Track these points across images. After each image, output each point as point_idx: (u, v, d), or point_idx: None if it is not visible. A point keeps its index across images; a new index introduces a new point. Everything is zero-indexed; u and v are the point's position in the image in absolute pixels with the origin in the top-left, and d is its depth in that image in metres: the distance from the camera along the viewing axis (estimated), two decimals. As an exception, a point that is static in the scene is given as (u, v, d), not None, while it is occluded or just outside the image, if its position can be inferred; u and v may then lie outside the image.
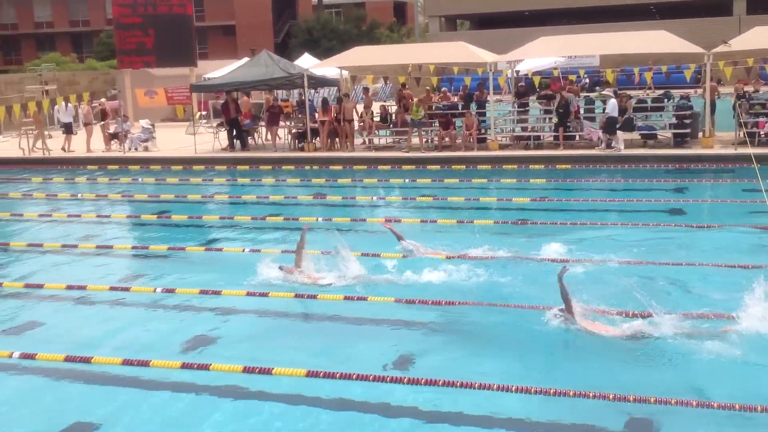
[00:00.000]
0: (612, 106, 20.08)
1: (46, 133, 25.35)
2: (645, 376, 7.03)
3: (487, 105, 22.99)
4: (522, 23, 46.96)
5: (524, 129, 22.25)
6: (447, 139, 21.77)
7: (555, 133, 20.77)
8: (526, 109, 23.09)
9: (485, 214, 14.75)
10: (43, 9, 70.47)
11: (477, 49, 22.90)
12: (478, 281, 9.73)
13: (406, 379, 6.98)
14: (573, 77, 29.55)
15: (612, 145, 19.87)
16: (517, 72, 25.49)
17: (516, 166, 19.42)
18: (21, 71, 46.20)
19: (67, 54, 59.96)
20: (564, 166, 19.07)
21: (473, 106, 22.64)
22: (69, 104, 25.27)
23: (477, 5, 49.71)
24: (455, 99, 25.66)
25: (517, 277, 9.77)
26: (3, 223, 15.30)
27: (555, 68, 28.12)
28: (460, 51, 23.44)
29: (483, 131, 22.19)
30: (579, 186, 17.21)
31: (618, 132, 19.71)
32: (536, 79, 26.21)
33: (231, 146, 23.66)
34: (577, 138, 21.47)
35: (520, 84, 24.42)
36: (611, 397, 6.47)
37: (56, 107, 26.43)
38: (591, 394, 6.54)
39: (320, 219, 14.19)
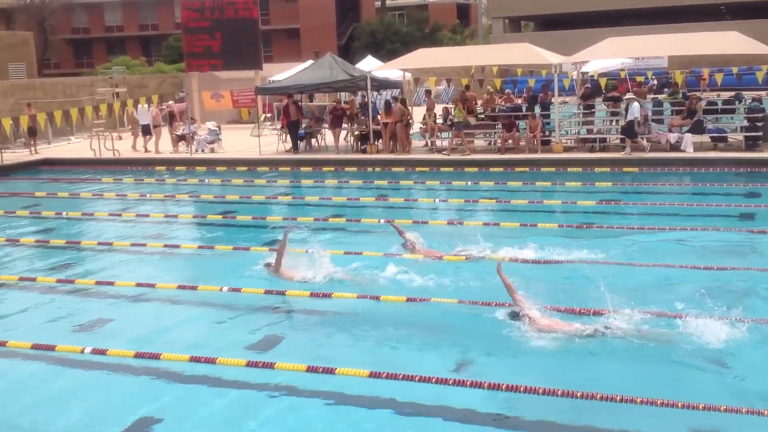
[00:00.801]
0: (635, 110, 19.72)
1: (115, 134, 26.01)
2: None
3: (551, 107, 22.74)
4: (588, 24, 46.34)
5: (590, 131, 21.93)
6: (510, 141, 21.59)
7: (622, 136, 20.40)
8: (592, 111, 22.75)
9: (549, 217, 14.57)
10: (113, 13, 72.37)
11: (542, 51, 22.66)
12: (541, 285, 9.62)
13: (469, 383, 6.97)
14: (641, 79, 29.03)
15: (627, 151, 19.63)
16: (583, 73, 25.14)
17: (581, 169, 19.15)
18: (92, 74, 47.49)
19: (137, 57, 61.40)
20: (631, 169, 18.74)
21: (537, 108, 22.41)
22: (148, 105, 25.88)
23: (542, 6, 49.25)
24: (519, 101, 25.45)
25: (578, 281, 9.64)
26: (75, 222, 15.72)
27: (622, 70, 27.70)
28: (525, 52, 23.23)
29: (547, 133, 21.95)
30: (646, 189, 16.88)
31: (686, 134, 19.29)
32: (603, 81, 25.82)
33: (295, 148, 23.87)
34: (645, 141, 21.06)
35: (586, 86, 24.07)
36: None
37: (133, 108, 27.09)
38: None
39: (381, 221, 14.20)
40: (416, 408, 6.68)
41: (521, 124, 22.04)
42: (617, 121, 21.50)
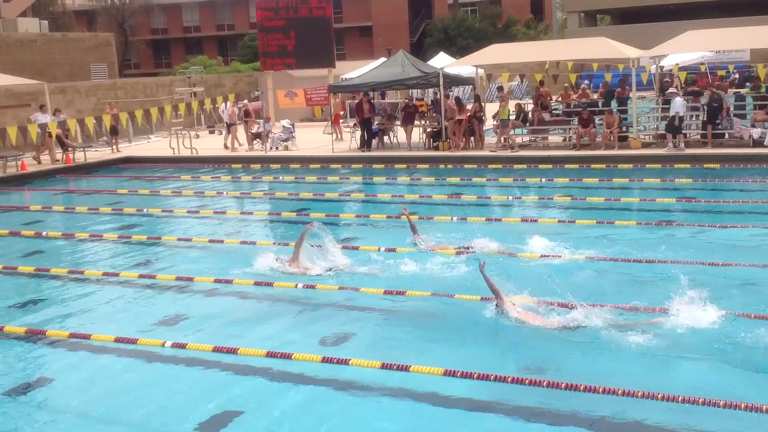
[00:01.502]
0: (679, 105, 19.15)
1: (192, 133, 26.58)
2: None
3: (628, 102, 22.27)
4: (666, 17, 45.21)
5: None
6: (586, 137, 21.24)
7: (702, 131, 19.83)
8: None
9: (626, 215, 14.28)
10: (191, 14, 74.05)
11: (619, 45, 22.22)
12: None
13: (545, 383, 6.88)
14: (722, 73, 28.15)
15: (677, 145, 19.14)
16: (662, 68, 24.52)
17: (660, 166, 18.70)
18: (171, 74, 48.67)
19: (214, 57, 62.63)
20: (712, 165, 18.20)
21: (614, 103, 21.97)
22: (228, 104, 26.42)
23: (618, -1, 48.24)
24: (595, 96, 25.00)
25: (656, 279, 9.41)
26: (155, 219, 16.14)
27: (702, 63, 26.91)
28: (601, 46, 22.81)
29: (624, 129, 21.50)
30: (728, 186, 16.37)
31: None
32: (682, 75, 25.14)
33: (364, 146, 23.92)
34: (727, 136, 20.45)
35: (665, 80, 23.47)
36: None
37: (220, 107, 27.69)
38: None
39: (454, 218, 14.15)
40: (487, 406, 6.64)
41: (597, 119, 21.66)
42: (697, 116, 20.90)
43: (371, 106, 24.40)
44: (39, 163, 24.21)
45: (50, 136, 23.46)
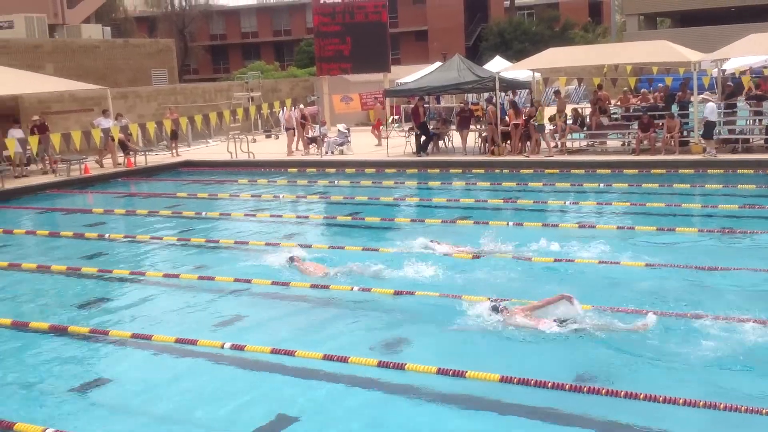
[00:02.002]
0: (710, 110, 18.96)
1: (250, 137, 26.93)
2: None
3: (690, 106, 21.84)
4: (728, 20, 44.21)
5: (731, 131, 20.91)
6: (646, 141, 20.89)
7: (766, 136, 19.35)
8: (734, 110, 21.68)
9: (687, 221, 14.01)
10: (249, 20, 75.10)
11: (680, 48, 21.81)
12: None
13: (586, 388, 6.78)
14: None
15: (707, 151, 18.98)
16: (724, 71, 23.99)
17: (722, 171, 18.29)
18: (229, 79, 49.38)
19: (271, 62, 63.39)
20: (776, 171, 17.76)
21: (675, 107, 21.57)
22: (296, 107, 26.78)
23: (679, 2, 47.36)
24: (655, 99, 24.57)
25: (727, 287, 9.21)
26: (213, 222, 16.38)
27: (766, 67, 26.22)
28: (661, 50, 22.43)
29: (685, 134, 21.09)
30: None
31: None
32: (745, 79, 24.54)
33: (420, 151, 23.86)
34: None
35: (727, 84, 22.97)
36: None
37: (278, 112, 28.06)
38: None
39: (510, 224, 14.05)
40: (546, 414, 6.58)
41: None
42: (761, 120, 20.40)
43: (424, 110, 24.39)
44: (101, 166, 24.80)
45: (113, 140, 24.00)
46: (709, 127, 19.58)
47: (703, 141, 19.89)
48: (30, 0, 38.39)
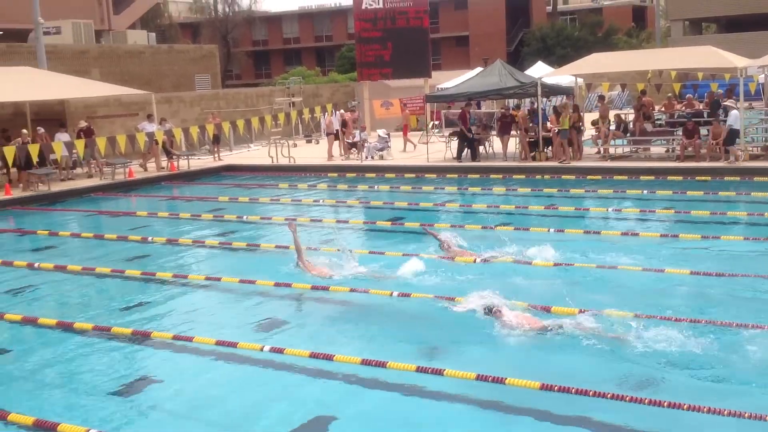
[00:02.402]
0: (734, 118, 18.93)
1: (290, 142, 27.10)
2: None
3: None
4: (776, 25, 43.38)
5: (779, 138, 20.52)
6: (690, 148, 20.58)
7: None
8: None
9: (733, 229, 13.76)
10: (291, 26, 75.72)
11: (726, 53, 21.46)
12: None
13: (628, 397, 6.68)
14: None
15: (728, 158, 19.05)
16: (771, 77, 23.57)
17: (768, 179, 17.96)
18: (271, 84, 49.80)
19: (312, 68, 63.78)
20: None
21: (721, 113, 21.23)
22: (337, 112, 26.97)
23: (725, 7, 46.54)
24: (700, 106, 24.21)
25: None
26: (255, 226, 16.51)
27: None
28: (707, 55, 22.08)
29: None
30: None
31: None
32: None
33: (467, 156, 23.62)
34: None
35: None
36: None
37: (321, 117, 28.28)
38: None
39: (551, 230, 13.94)
40: (590, 424, 6.51)
41: (702, 130, 20.99)
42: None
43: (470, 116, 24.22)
44: (145, 170, 25.17)
45: (157, 144, 24.35)
46: (732, 135, 19.50)
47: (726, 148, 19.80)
48: (77, 6, 39.16)
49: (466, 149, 24.20)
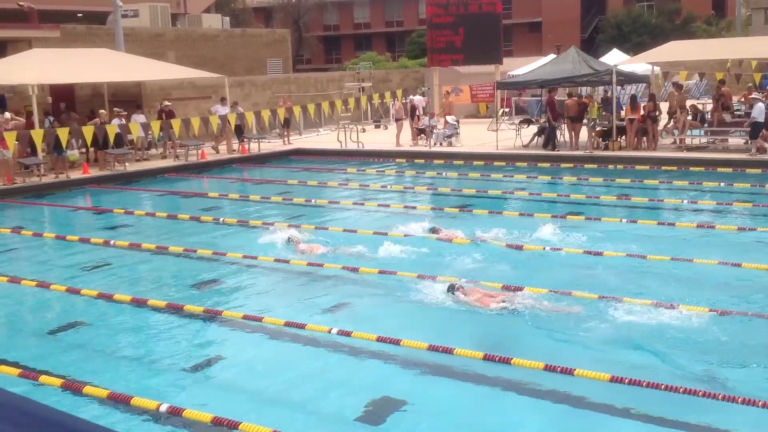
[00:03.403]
0: (759, 111, 18.90)
1: (360, 127, 27.19)
2: None
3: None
4: None
5: None
6: (771, 140, 19.90)
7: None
8: None
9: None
10: (362, 11, 75.81)
11: (811, 42, 20.64)
12: None
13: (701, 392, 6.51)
14: None
15: (750, 150, 19.17)
16: None
17: None
18: (341, 69, 49.99)
19: (382, 53, 63.77)
20: None
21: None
22: (411, 98, 27.06)
23: (811, -6, 44.77)
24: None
25: None
26: (322, 210, 16.62)
27: None
28: (791, 44, 21.28)
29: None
30: None
31: None
32: None
33: (548, 144, 23.12)
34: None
35: None
36: None
37: (391, 102, 28.35)
38: None
39: (624, 220, 13.68)
40: (655, 419, 6.37)
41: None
42: None
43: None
44: (217, 152, 25.59)
45: (229, 126, 24.73)
46: (755, 128, 19.56)
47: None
48: (155, -10, 39.93)
49: (536, 137, 23.88)
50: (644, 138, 21.95)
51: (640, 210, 15.13)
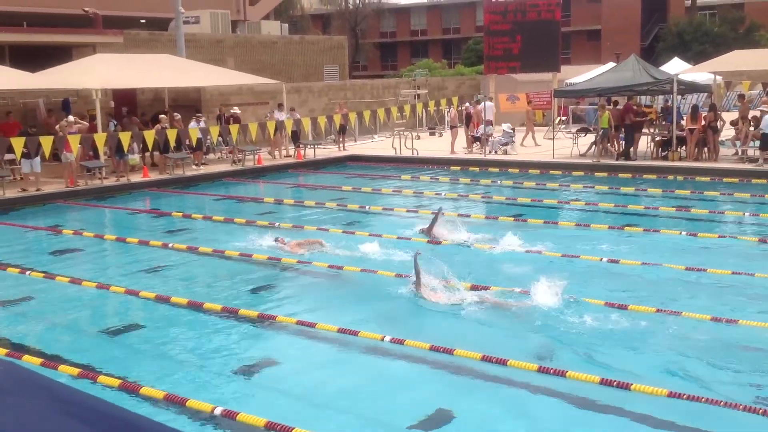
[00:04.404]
0: (766, 123, 18.94)
1: (414, 134, 27.20)
2: None
3: None
4: None
5: None
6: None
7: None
8: None
9: None
10: (419, 18, 75.96)
11: None
12: None
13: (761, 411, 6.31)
14: None
15: (759, 162, 19.07)
16: None
17: None
18: (396, 76, 50.09)
19: (438, 60, 63.72)
20: None
21: None
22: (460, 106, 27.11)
23: None
24: None
25: None
26: (376, 217, 16.66)
27: None
28: None
29: None
30: None
31: None
32: None
33: (624, 155, 22.66)
34: None
35: None
36: None
37: (447, 109, 28.37)
38: None
39: (683, 233, 13.41)
40: None
41: None
42: None
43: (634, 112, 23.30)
44: (273, 157, 25.87)
45: (285, 132, 24.98)
46: (765, 139, 19.76)
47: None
48: (216, -3, 40.62)
49: (593, 146, 23.59)
50: (705, 149, 21.50)
51: (700, 222, 14.81)
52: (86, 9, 30.61)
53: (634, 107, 23.77)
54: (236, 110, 25.30)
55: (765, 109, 19.91)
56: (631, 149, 22.49)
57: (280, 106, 26.31)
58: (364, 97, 35.23)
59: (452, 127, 26.82)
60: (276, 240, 13.16)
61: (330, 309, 9.90)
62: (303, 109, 30.24)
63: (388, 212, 16.92)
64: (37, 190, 19.35)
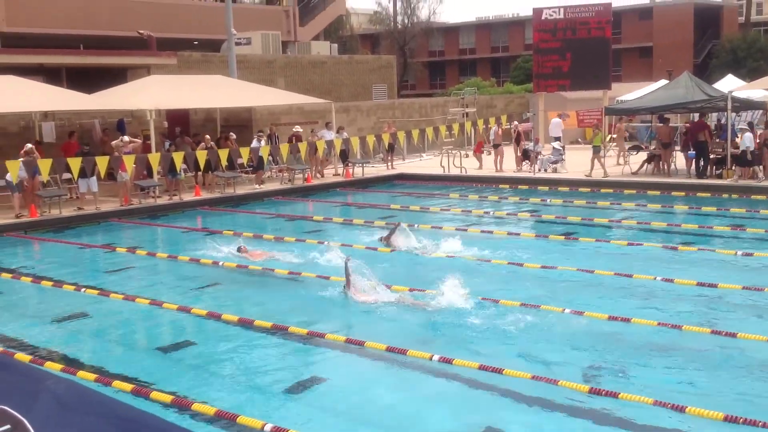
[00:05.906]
0: (747, 140, 19.77)
1: (463, 152, 27.16)
2: None
3: None
4: None
5: None
6: None
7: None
8: None
9: None
10: (467, 36, 76.06)
11: None
12: None
13: None
14: None
15: (745, 176, 20.07)
16: None
17: None
18: (444, 95, 50.14)
19: (487, 78, 63.63)
20: None
21: None
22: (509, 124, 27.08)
23: None
24: None
25: None
26: (425, 234, 16.60)
27: None
28: None
29: None
30: None
31: None
32: None
33: (701, 174, 22.25)
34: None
35: None
36: None
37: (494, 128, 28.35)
38: None
39: (739, 253, 13.13)
40: None
41: None
42: None
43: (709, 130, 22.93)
44: (322, 176, 26.06)
45: (334, 151, 25.15)
46: (744, 156, 20.77)
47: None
48: (266, 19, 41.21)
49: (645, 164, 23.28)
50: (761, 167, 21.06)
51: (756, 241, 14.49)
52: (141, 31, 31.32)
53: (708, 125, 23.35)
54: (298, 129, 25.59)
55: (744, 127, 19.74)
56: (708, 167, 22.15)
57: (328, 125, 26.53)
58: (413, 115, 35.31)
59: (495, 146, 26.69)
60: (239, 249, 14.13)
61: (381, 327, 9.89)
62: (352, 128, 30.42)
63: (437, 231, 16.84)
64: (96, 208, 19.76)
